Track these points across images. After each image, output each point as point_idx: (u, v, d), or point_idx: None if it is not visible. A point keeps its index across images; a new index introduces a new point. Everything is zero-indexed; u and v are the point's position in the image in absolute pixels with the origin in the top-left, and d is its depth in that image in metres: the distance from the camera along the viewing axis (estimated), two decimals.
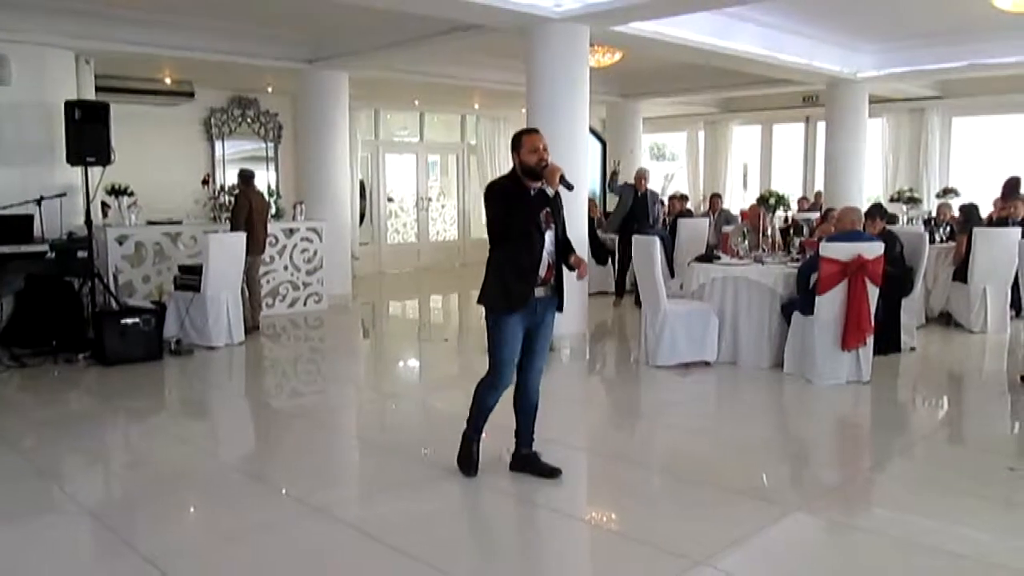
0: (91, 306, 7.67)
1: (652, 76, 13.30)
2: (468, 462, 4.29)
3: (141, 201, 9.11)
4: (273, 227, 9.61)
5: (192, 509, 4.23)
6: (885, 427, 5.65)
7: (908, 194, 13.08)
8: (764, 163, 16.39)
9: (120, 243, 8.57)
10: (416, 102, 14.40)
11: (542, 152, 3.98)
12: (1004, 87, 12.30)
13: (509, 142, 4.12)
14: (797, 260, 7.14)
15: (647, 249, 6.85)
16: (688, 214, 11.13)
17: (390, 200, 15.02)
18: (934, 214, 10.97)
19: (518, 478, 4.25)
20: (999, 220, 8.89)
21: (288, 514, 3.96)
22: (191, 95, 11.97)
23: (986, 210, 9.88)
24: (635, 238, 7.21)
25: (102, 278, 7.88)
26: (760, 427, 5.57)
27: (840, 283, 6.11)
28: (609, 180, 10.09)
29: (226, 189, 9.94)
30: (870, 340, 6.21)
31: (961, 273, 8.45)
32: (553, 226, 4.08)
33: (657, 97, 14.39)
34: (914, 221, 11.33)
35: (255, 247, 8.55)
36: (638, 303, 7.98)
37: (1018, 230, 8.16)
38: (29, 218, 7.55)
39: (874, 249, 6.15)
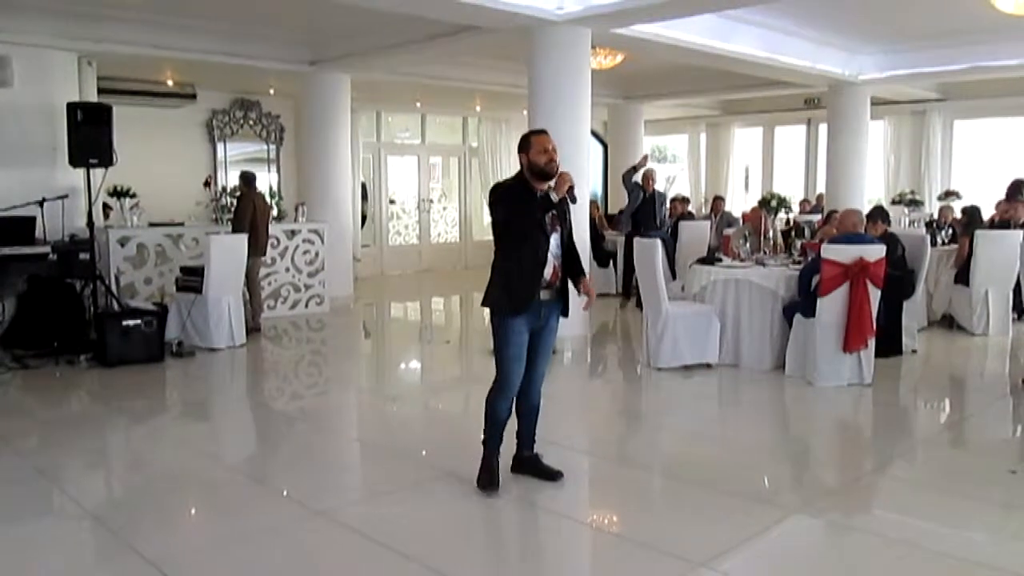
0: (93, 308, 7.67)
1: (654, 78, 13.30)
2: (491, 481, 4.11)
3: (143, 203, 9.14)
4: (275, 229, 9.62)
5: (193, 511, 4.24)
6: (886, 429, 5.64)
7: (910, 196, 13.11)
8: (766, 165, 16.39)
9: (122, 245, 8.58)
10: (418, 104, 14.41)
11: (552, 153, 3.97)
12: (1006, 90, 12.31)
13: (514, 144, 4.12)
14: (799, 262, 7.13)
15: (648, 251, 6.85)
16: (690, 216, 11.12)
17: (392, 202, 15.02)
18: (935, 216, 10.97)
19: (519, 480, 4.25)
20: (1001, 223, 8.89)
21: (289, 516, 3.96)
22: (193, 97, 11.99)
23: (988, 213, 9.88)
24: (636, 240, 7.21)
25: (104, 280, 7.88)
26: (761, 429, 5.56)
27: (842, 285, 6.11)
28: (627, 172, 10.06)
29: (228, 191, 9.96)
30: (871, 342, 6.21)
31: (963, 276, 8.44)
32: (559, 229, 4.06)
33: (659, 99, 14.40)
34: (916, 224, 11.34)
35: (257, 249, 8.56)
36: (639, 305, 7.97)
37: (1019, 233, 8.16)
38: (31, 220, 7.55)
39: (876, 251, 6.15)
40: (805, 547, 3.69)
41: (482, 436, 4.18)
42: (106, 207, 9.36)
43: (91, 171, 7.53)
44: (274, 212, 10.14)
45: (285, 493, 4.30)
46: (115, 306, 7.71)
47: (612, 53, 9.70)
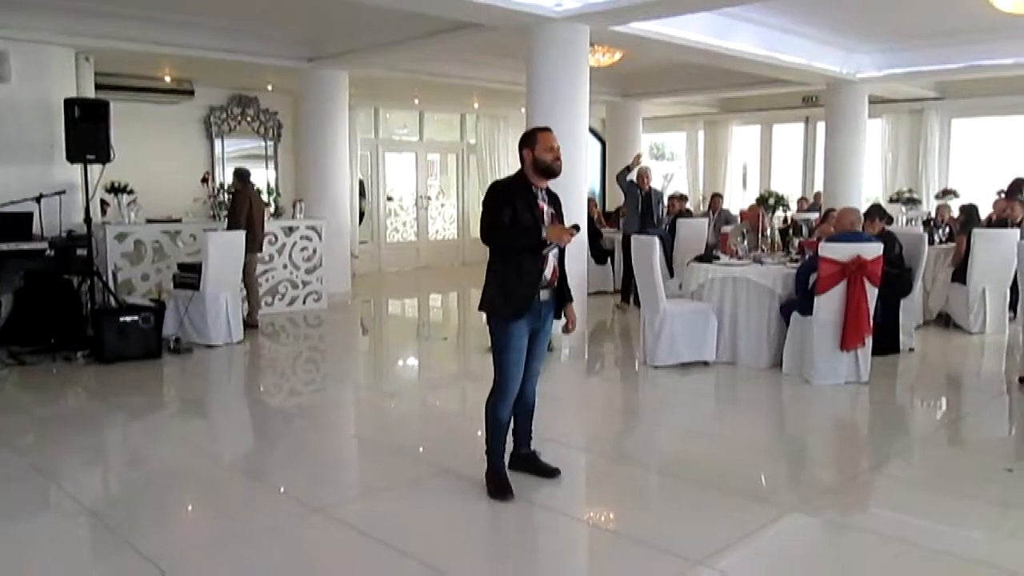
0: (90, 304, 7.67)
1: (652, 76, 13.31)
2: (503, 488, 4.02)
3: (140, 199, 9.12)
4: (273, 225, 9.63)
5: (191, 508, 4.24)
6: (883, 428, 5.65)
7: (907, 195, 13.13)
8: (764, 163, 16.41)
9: (119, 241, 8.57)
10: (416, 101, 14.40)
11: (557, 151, 3.96)
12: (1004, 88, 12.33)
13: (512, 141, 4.08)
14: (796, 260, 7.14)
15: (646, 249, 6.85)
16: (688, 214, 11.12)
17: (389, 199, 15.02)
18: (933, 215, 10.98)
19: (517, 477, 4.23)
20: (998, 221, 8.90)
21: (287, 513, 3.96)
22: (191, 93, 11.98)
23: (985, 211, 9.89)
24: (634, 238, 7.21)
25: (101, 276, 7.87)
26: (758, 427, 5.57)
27: (839, 284, 6.11)
28: (620, 173, 10.06)
29: (225, 187, 9.95)
30: (869, 341, 6.22)
31: (960, 274, 8.45)
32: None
33: (657, 97, 14.40)
34: (913, 222, 11.35)
35: (254, 245, 8.56)
36: (637, 303, 7.98)
37: (1017, 231, 8.17)
38: (28, 216, 7.55)
39: (873, 250, 6.16)
40: (802, 545, 3.70)
41: (484, 445, 4.10)
42: (103, 203, 9.34)
43: (88, 167, 7.51)
44: (272, 209, 10.15)
45: (282, 490, 4.30)
46: (112, 302, 7.70)
47: (610, 51, 9.70)
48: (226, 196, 9.54)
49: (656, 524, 3.83)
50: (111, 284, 8.07)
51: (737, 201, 15.54)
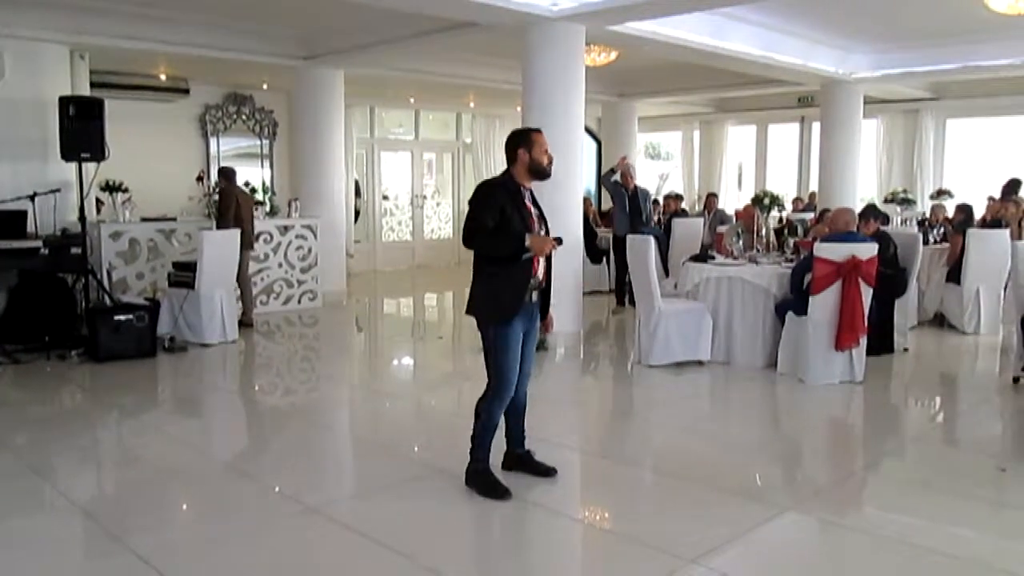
0: (84, 302, 7.65)
1: (648, 76, 13.31)
2: (495, 488, 4.00)
3: (135, 197, 9.10)
4: (268, 224, 9.62)
5: (185, 506, 4.23)
6: (877, 427, 5.67)
7: (902, 195, 13.16)
8: (759, 163, 16.43)
9: (114, 239, 8.55)
10: (411, 100, 14.40)
11: (551, 155, 3.99)
12: (998, 89, 12.36)
13: (510, 138, 4.03)
14: (791, 260, 7.15)
15: (641, 248, 6.85)
16: (683, 213, 11.14)
17: (385, 198, 15.01)
18: (928, 215, 11.01)
19: (512, 477, 4.24)
20: (992, 222, 8.92)
21: (281, 512, 3.96)
22: (186, 91, 11.96)
23: (978, 214, 9.91)
24: (629, 237, 7.21)
25: (96, 274, 7.86)
26: (753, 427, 5.58)
27: (834, 284, 6.12)
28: (605, 175, 10.03)
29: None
30: (863, 340, 6.23)
31: (954, 274, 8.47)
32: (545, 228, 4.04)
33: (652, 97, 14.41)
34: (908, 222, 11.37)
35: (245, 243, 8.54)
36: (632, 303, 7.98)
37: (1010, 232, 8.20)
38: (23, 214, 7.52)
39: (868, 250, 6.17)
40: (796, 544, 3.70)
41: (471, 445, 4.06)
42: (98, 201, 9.32)
43: (83, 165, 7.49)
44: (267, 208, 10.13)
45: (277, 489, 4.29)
46: (107, 301, 7.69)
47: (606, 50, 9.70)
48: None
49: (650, 523, 3.83)
50: (105, 282, 8.05)
51: (732, 201, 15.55)
